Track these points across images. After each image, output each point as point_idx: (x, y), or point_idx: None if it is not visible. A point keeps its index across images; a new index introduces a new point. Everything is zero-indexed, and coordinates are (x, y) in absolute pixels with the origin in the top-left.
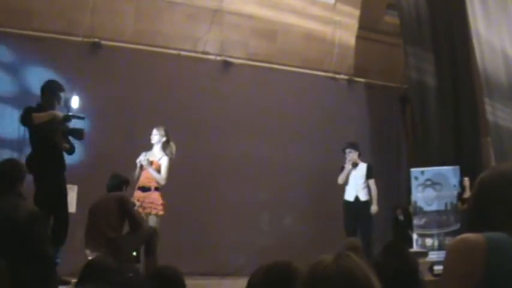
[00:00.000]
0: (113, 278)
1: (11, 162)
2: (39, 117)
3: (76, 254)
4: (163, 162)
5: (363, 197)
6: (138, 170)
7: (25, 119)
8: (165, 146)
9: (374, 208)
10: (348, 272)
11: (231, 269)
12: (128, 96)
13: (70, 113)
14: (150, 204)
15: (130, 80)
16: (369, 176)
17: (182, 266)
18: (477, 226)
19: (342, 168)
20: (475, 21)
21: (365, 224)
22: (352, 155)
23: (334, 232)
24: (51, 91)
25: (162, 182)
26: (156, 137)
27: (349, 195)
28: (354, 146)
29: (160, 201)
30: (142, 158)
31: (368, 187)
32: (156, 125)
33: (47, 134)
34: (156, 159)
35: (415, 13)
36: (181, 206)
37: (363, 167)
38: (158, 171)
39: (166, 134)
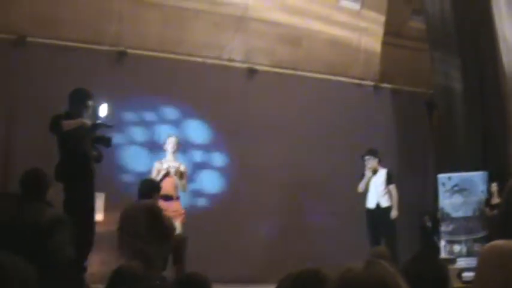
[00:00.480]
0: (140, 284)
1: (35, 170)
2: (68, 124)
3: (104, 262)
4: (184, 169)
5: (384, 203)
6: (160, 177)
7: (53, 126)
8: (176, 154)
9: (394, 213)
10: (379, 279)
11: (257, 276)
12: (153, 104)
13: (98, 121)
14: (174, 213)
15: (156, 87)
16: (389, 181)
17: (209, 273)
18: (508, 232)
19: (363, 175)
20: (501, 25)
21: (388, 230)
22: (371, 162)
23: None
24: (80, 99)
25: (186, 189)
26: (173, 144)
27: (371, 203)
28: (373, 152)
29: (182, 210)
30: (170, 165)
31: (389, 193)
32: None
33: (75, 141)
34: (176, 165)
35: (440, 18)
36: (209, 211)
37: (382, 173)
38: (180, 176)
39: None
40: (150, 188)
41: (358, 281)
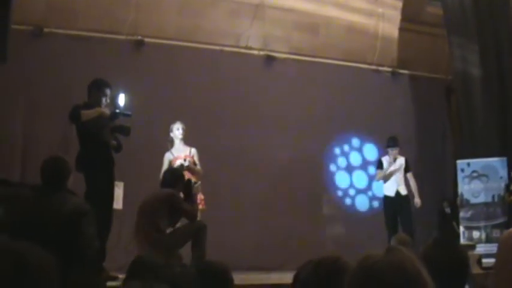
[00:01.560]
0: (161, 273)
1: (55, 158)
2: (87, 114)
3: (124, 250)
4: (196, 154)
5: (404, 191)
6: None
7: (73, 116)
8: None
9: (417, 201)
10: (399, 265)
11: (277, 263)
12: (171, 92)
13: (117, 110)
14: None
15: (174, 76)
16: (407, 169)
17: (228, 261)
18: None
19: (380, 163)
20: None
21: (406, 218)
22: (395, 152)
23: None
24: (98, 88)
25: (201, 174)
26: (182, 131)
27: (390, 191)
28: (396, 141)
29: (202, 196)
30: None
31: (407, 181)
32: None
33: (95, 131)
34: (186, 153)
35: (458, 3)
36: (225, 201)
37: (401, 160)
38: (193, 163)
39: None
40: (172, 177)
41: (378, 267)
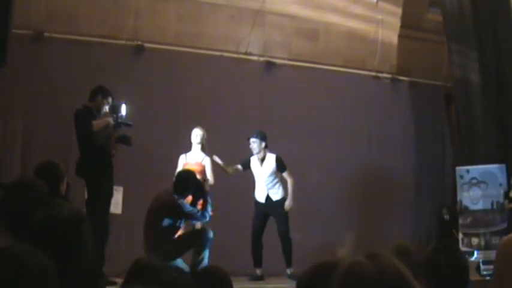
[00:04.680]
0: (159, 277)
1: (48, 163)
2: (97, 124)
3: (123, 255)
4: (208, 163)
5: (276, 195)
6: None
7: (84, 126)
8: (204, 147)
9: (287, 204)
10: (387, 271)
11: (276, 270)
12: (170, 97)
13: (120, 120)
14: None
15: (173, 81)
16: (280, 168)
17: (228, 266)
18: None
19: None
20: None
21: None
22: (255, 146)
23: (385, 230)
24: (103, 95)
25: (212, 183)
26: (199, 137)
27: (260, 196)
28: (258, 134)
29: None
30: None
31: (280, 182)
32: (192, 126)
33: (101, 141)
34: (198, 160)
35: (458, 10)
36: (224, 207)
37: (271, 159)
38: (200, 172)
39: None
40: (185, 179)
41: (364, 273)
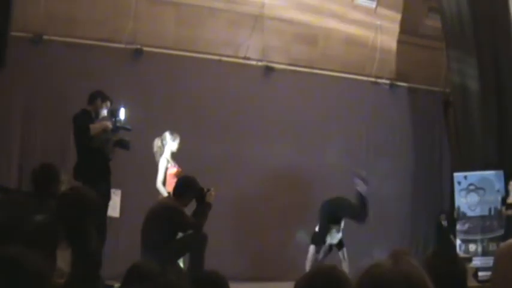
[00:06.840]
0: (156, 281)
1: (44, 166)
2: (95, 128)
3: (120, 258)
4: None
5: None
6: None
7: (82, 130)
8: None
9: None
10: (407, 275)
11: (274, 274)
12: (169, 101)
13: (118, 124)
14: None
15: (172, 85)
16: None
17: (226, 271)
18: None
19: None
20: None
21: None
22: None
23: (383, 236)
24: (103, 100)
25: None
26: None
27: None
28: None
29: None
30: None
31: None
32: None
33: (99, 144)
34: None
35: (457, 16)
36: (223, 211)
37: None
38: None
39: None
40: (185, 185)
41: (386, 277)
